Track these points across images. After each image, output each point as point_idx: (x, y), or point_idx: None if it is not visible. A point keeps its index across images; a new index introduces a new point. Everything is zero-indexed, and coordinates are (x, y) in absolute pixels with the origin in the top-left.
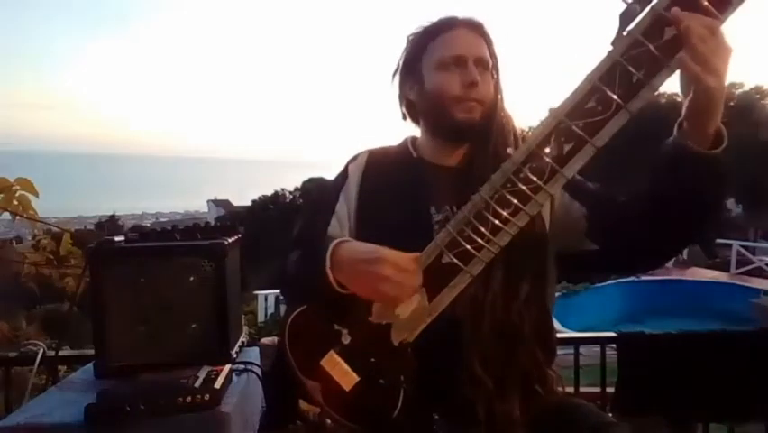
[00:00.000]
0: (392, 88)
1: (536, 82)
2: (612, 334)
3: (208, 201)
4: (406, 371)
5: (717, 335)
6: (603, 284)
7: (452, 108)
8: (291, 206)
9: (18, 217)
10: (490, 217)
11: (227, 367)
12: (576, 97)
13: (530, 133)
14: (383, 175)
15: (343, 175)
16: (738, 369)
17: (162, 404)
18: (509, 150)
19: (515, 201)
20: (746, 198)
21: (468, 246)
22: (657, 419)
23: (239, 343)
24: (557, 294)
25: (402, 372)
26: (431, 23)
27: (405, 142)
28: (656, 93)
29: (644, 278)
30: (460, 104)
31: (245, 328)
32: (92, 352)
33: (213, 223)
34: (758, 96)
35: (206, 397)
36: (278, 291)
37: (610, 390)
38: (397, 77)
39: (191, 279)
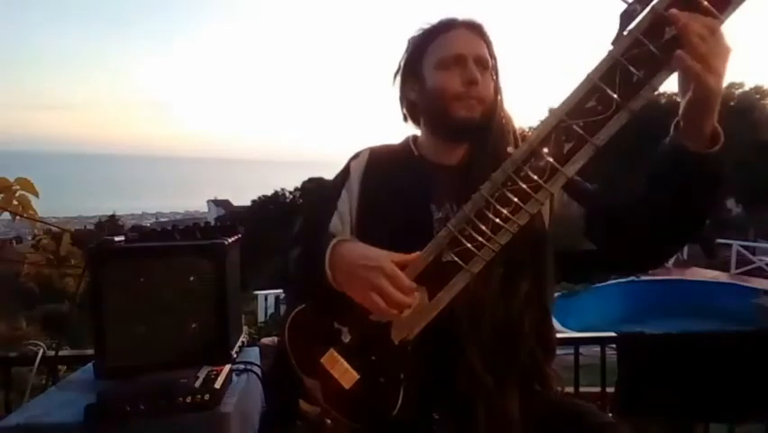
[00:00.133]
0: (393, 90)
1: (536, 82)
2: (612, 334)
3: (208, 201)
4: (406, 369)
5: (718, 335)
6: (603, 284)
7: (452, 106)
8: (291, 206)
9: (18, 217)
10: (491, 216)
11: (227, 367)
12: (576, 97)
13: (531, 133)
14: (385, 173)
15: (345, 172)
16: (738, 369)
17: (162, 404)
18: (510, 149)
19: (515, 200)
20: (746, 198)
21: (468, 244)
22: (657, 419)
23: (239, 343)
24: (557, 294)
25: (402, 370)
26: (431, 25)
27: (406, 140)
28: (656, 93)
29: (644, 278)
30: (460, 102)
31: (245, 328)
32: (92, 352)
33: (213, 223)
34: (758, 96)
35: (206, 397)
36: (278, 291)
37: (610, 390)
38: (398, 78)
39: (191, 279)
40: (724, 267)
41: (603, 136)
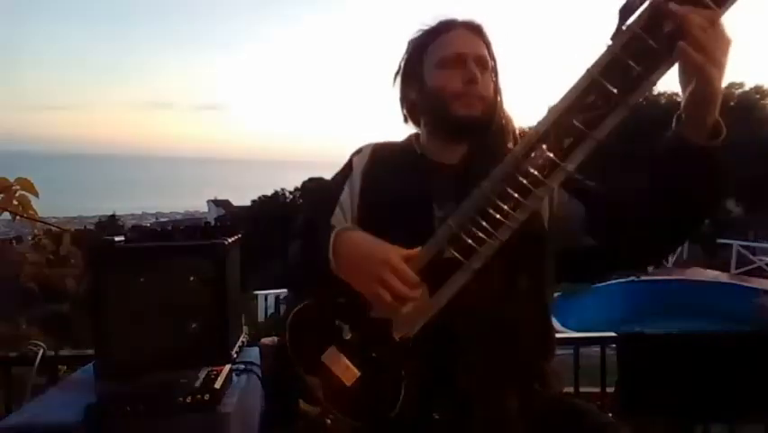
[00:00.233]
0: (393, 91)
1: (536, 82)
2: (612, 334)
3: (208, 201)
4: (406, 366)
5: (718, 335)
6: (603, 284)
7: (453, 104)
8: (291, 206)
9: (18, 217)
10: (491, 211)
11: (227, 367)
12: (576, 92)
13: (530, 128)
14: (387, 169)
15: (348, 167)
16: (738, 369)
17: (162, 404)
18: (510, 145)
19: (516, 195)
20: (746, 198)
21: (469, 241)
22: (657, 419)
23: (239, 343)
24: (557, 294)
25: (403, 367)
26: (431, 25)
27: (409, 138)
28: (656, 93)
29: (644, 278)
30: (461, 100)
31: (245, 328)
32: (92, 352)
33: (213, 223)
34: (758, 96)
35: (206, 397)
36: (278, 291)
37: (610, 390)
38: (399, 79)
39: (191, 279)
40: (724, 267)
41: (602, 131)
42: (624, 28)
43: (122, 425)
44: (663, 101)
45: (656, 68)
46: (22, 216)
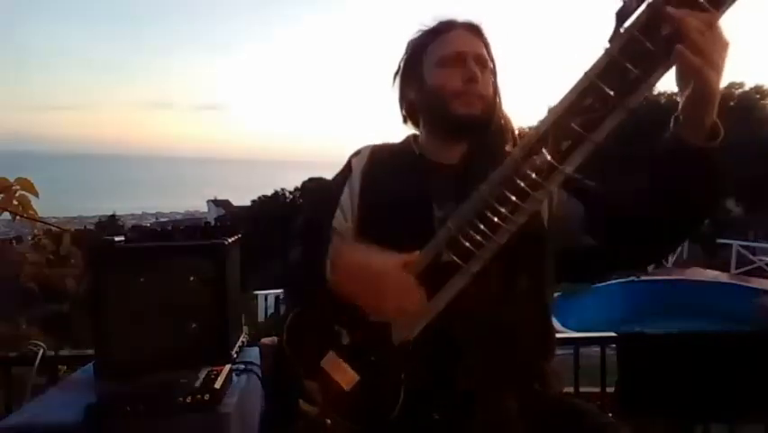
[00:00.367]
0: (393, 91)
1: (536, 82)
2: (612, 334)
3: (208, 201)
4: (406, 370)
5: (718, 335)
6: (603, 284)
7: (453, 103)
8: (291, 206)
9: (18, 217)
10: (490, 215)
11: (227, 367)
12: (574, 94)
13: (529, 131)
14: (386, 170)
15: (347, 169)
16: (738, 369)
17: (162, 404)
18: (508, 147)
19: (514, 198)
20: (746, 198)
21: (467, 244)
22: (657, 419)
23: (239, 343)
24: (557, 294)
25: (402, 371)
26: (430, 26)
27: (407, 139)
28: (656, 93)
29: (644, 278)
30: (461, 98)
31: (245, 328)
32: (92, 352)
33: (213, 223)
34: (758, 96)
35: (206, 397)
36: (278, 291)
37: (610, 390)
38: (398, 79)
39: (191, 279)
40: (724, 267)
41: (601, 134)
42: (621, 31)
43: (122, 425)
44: (663, 101)
45: (654, 70)
46: (22, 216)
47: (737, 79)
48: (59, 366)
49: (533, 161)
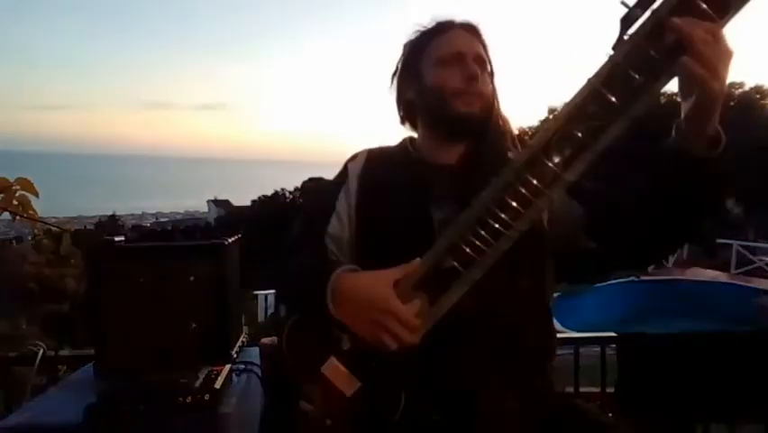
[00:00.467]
0: (391, 91)
1: (536, 82)
2: (612, 334)
3: (208, 201)
4: (407, 374)
5: (718, 335)
6: (603, 284)
7: (453, 102)
8: (291, 206)
9: (18, 217)
10: (491, 222)
11: (227, 367)
12: (577, 102)
13: (531, 137)
14: (383, 173)
15: (343, 174)
16: (738, 369)
17: (162, 404)
18: (510, 153)
19: (516, 205)
20: (746, 198)
21: (469, 250)
22: (657, 420)
23: (239, 343)
24: (557, 294)
25: (403, 375)
26: (428, 26)
27: (403, 141)
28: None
29: (644, 278)
30: (461, 97)
31: (245, 328)
32: (92, 352)
33: (213, 223)
34: (758, 96)
35: (206, 397)
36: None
37: (610, 390)
38: (396, 79)
39: (191, 279)
40: (724, 267)
41: (603, 142)
42: (625, 38)
43: (122, 425)
44: (663, 101)
45: (658, 78)
46: (22, 216)
47: (737, 79)
48: (59, 366)
49: (535, 168)
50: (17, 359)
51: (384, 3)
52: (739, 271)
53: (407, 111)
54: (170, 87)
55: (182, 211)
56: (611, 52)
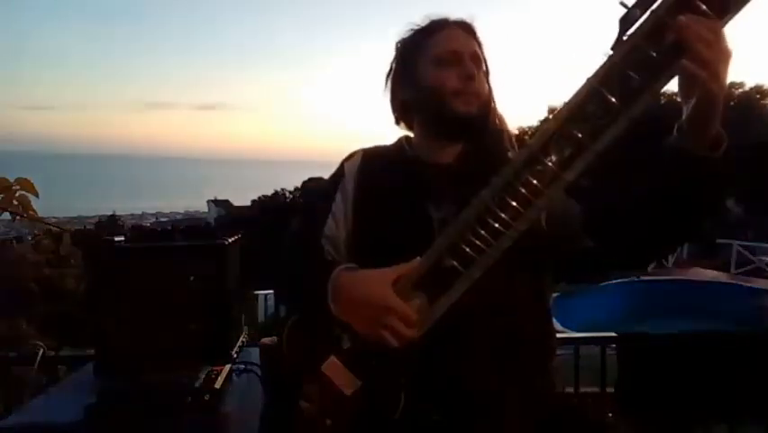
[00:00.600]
0: (386, 92)
1: (536, 82)
2: (612, 334)
3: (208, 201)
4: (407, 373)
5: (718, 335)
6: (603, 284)
7: (451, 102)
8: (291, 206)
9: (18, 217)
10: (491, 221)
11: (227, 367)
12: (576, 102)
13: (531, 137)
14: (380, 173)
15: (339, 173)
16: (738, 369)
17: (162, 404)
18: (509, 153)
19: (515, 205)
20: (746, 198)
21: (468, 250)
22: (657, 420)
23: (239, 343)
24: (558, 294)
25: (403, 374)
26: (423, 25)
27: (399, 140)
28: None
29: (644, 278)
30: (459, 97)
31: (245, 328)
32: (92, 352)
33: (213, 223)
34: (758, 96)
35: (206, 397)
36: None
37: (610, 390)
38: (390, 79)
39: (191, 279)
40: (724, 267)
41: (603, 142)
42: (624, 38)
43: (122, 425)
44: (664, 101)
45: (657, 79)
46: (22, 216)
47: (737, 79)
48: (59, 366)
49: (534, 167)
50: (17, 359)
51: (385, 3)
52: (739, 271)
53: (403, 111)
54: (170, 87)
55: (182, 211)
56: (610, 52)
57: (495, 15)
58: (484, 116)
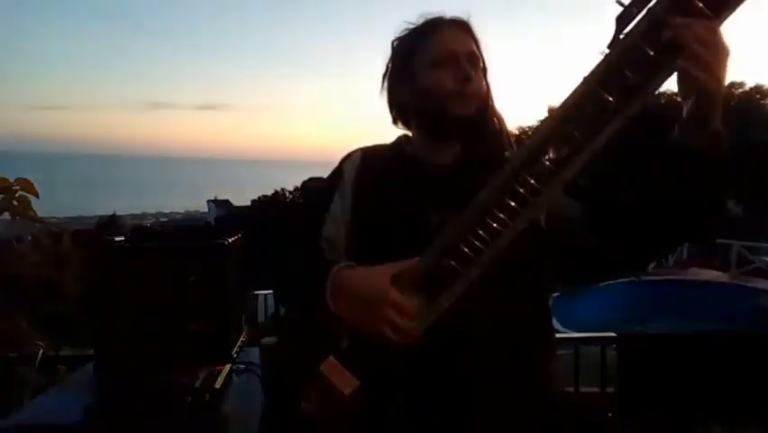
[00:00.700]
0: (383, 92)
1: (536, 82)
2: (612, 334)
3: (208, 201)
4: (406, 374)
5: (718, 335)
6: (603, 284)
7: (449, 104)
8: (291, 206)
9: (18, 217)
10: (489, 221)
11: (227, 367)
12: (573, 101)
13: (528, 136)
14: (378, 173)
15: (338, 173)
16: (738, 369)
17: (162, 404)
18: (507, 153)
19: (514, 204)
20: (746, 198)
21: (467, 250)
22: (657, 420)
23: (239, 343)
24: (557, 294)
25: (402, 375)
26: (418, 24)
27: (398, 140)
28: (657, 92)
29: (644, 278)
30: (456, 99)
31: (245, 328)
32: (92, 352)
33: (213, 223)
34: (758, 96)
35: (206, 397)
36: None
37: (610, 390)
38: (387, 80)
39: (191, 279)
40: (724, 267)
41: (600, 141)
42: (621, 37)
43: (122, 425)
44: (664, 101)
45: (654, 78)
46: (22, 217)
47: (737, 79)
48: (59, 366)
49: (532, 167)
50: (17, 359)
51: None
52: (739, 271)
53: (400, 112)
54: (170, 87)
55: (182, 211)
56: (607, 51)
57: (495, 15)
58: (482, 117)
